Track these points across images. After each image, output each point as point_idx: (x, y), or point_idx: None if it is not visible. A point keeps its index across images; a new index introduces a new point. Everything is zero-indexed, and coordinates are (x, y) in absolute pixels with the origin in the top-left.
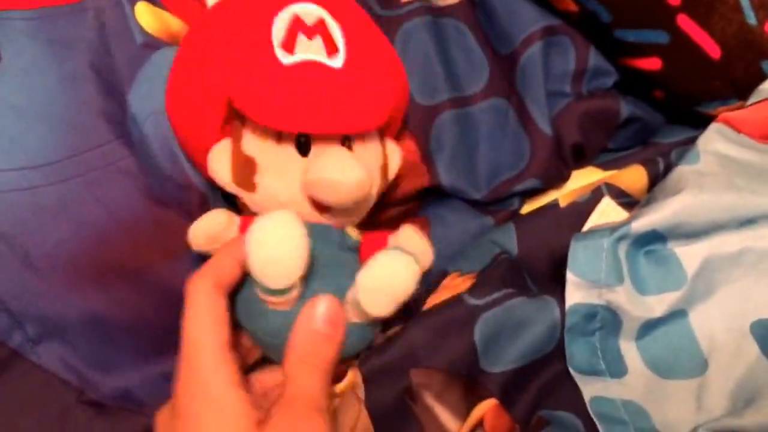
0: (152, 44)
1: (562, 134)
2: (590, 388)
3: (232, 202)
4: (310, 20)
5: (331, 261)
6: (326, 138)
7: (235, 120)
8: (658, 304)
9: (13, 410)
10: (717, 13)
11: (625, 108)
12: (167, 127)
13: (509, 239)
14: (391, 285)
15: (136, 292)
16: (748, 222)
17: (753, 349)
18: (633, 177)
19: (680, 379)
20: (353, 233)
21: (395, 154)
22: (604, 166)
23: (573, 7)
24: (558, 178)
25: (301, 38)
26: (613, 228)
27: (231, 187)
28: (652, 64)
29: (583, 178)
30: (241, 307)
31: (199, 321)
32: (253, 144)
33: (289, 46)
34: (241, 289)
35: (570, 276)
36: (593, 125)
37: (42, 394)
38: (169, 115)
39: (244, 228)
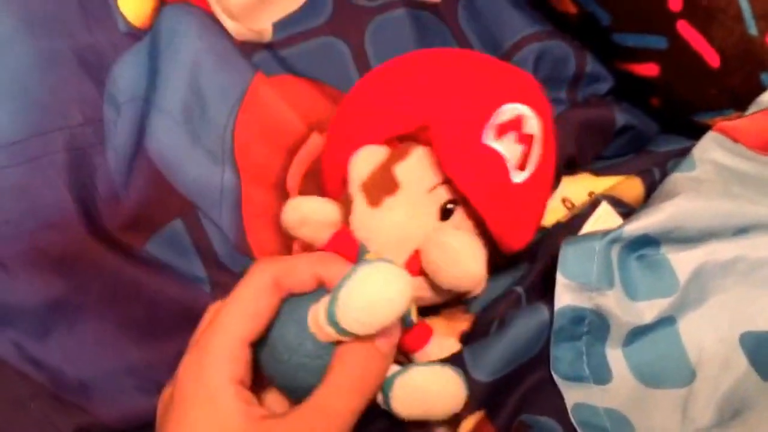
0: (135, 34)
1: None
2: (573, 394)
3: None
4: (527, 128)
5: None
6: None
7: (407, 139)
8: (648, 310)
9: None
10: (717, 21)
11: (621, 116)
12: (142, 115)
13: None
14: (427, 404)
15: (96, 281)
16: (743, 230)
17: (742, 361)
18: (629, 188)
19: (666, 388)
20: (414, 314)
21: None
22: (597, 172)
23: (572, 9)
24: None
25: (510, 135)
26: (605, 232)
27: (354, 187)
28: (649, 69)
29: (576, 184)
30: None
31: (232, 307)
32: (409, 172)
33: (500, 133)
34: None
35: (560, 278)
36: (589, 136)
37: None
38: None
39: (336, 238)
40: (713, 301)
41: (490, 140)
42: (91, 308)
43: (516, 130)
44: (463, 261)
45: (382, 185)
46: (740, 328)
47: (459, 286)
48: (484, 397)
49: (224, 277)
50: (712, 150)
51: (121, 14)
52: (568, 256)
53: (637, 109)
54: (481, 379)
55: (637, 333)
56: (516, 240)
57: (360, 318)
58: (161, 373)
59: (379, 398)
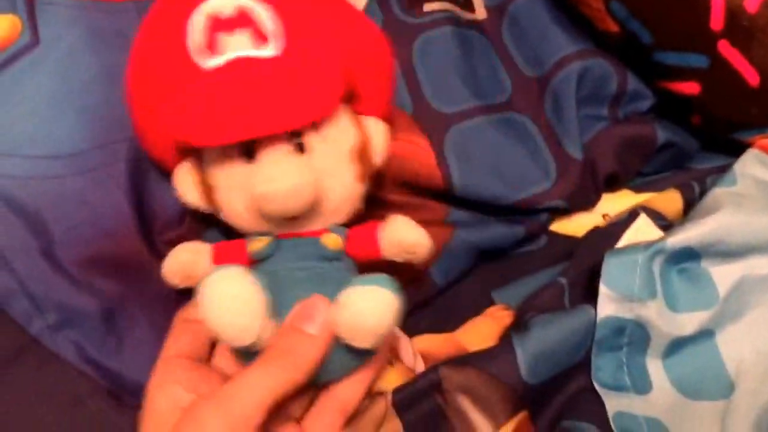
0: None
1: (596, 161)
2: (614, 403)
3: None
4: (227, 13)
5: (314, 277)
6: (273, 141)
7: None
8: (689, 322)
9: (28, 397)
10: (757, 41)
11: (661, 134)
12: None
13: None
14: (369, 324)
15: (147, 289)
16: None
17: None
18: (668, 201)
19: (706, 400)
20: (331, 241)
21: (379, 133)
22: (638, 189)
23: (614, 28)
24: (585, 202)
25: (222, 36)
26: (648, 244)
27: (203, 207)
28: (690, 88)
29: (616, 201)
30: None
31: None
32: (210, 163)
33: (209, 49)
34: None
35: (603, 289)
36: (630, 152)
37: (57, 382)
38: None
39: (216, 259)
40: (752, 315)
41: (205, 62)
42: (145, 315)
43: (221, 30)
44: (261, 184)
45: (207, 192)
46: None
47: (281, 208)
48: (529, 398)
49: None
50: (752, 166)
51: None
52: (612, 267)
53: (677, 126)
54: (528, 381)
55: (677, 345)
56: (309, 110)
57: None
58: None
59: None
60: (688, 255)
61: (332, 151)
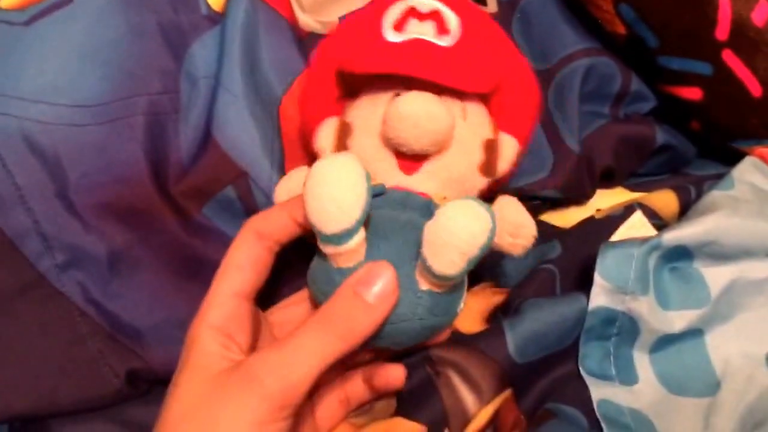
0: (214, 18)
1: (593, 154)
2: (599, 391)
3: None
4: (425, 9)
5: (406, 225)
6: (420, 90)
7: (346, 99)
8: (678, 320)
9: (30, 331)
10: (762, 54)
11: (660, 135)
12: (213, 93)
13: (553, 254)
14: (458, 238)
15: (156, 238)
16: None
17: (766, 378)
18: (664, 200)
19: (691, 397)
20: (440, 201)
21: (511, 147)
22: (633, 188)
23: (621, 30)
24: (580, 195)
25: (413, 21)
26: (644, 239)
27: (330, 150)
28: (692, 93)
29: (610, 197)
30: (310, 275)
31: (222, 265)
32: (354, 111)
33: (399, 27)
34: (313, 257)
35: (597, 278)
36: (627, 150)
37: (59, 320)
38: (300, 96)
39: None
40: (741, 318)
41: (392, 36)
42: (149, 262)
43: (413, 17)
44: (401, 104)
45: (341, 136)
46: (766, 347)
47: (411, 131)
48: (515, 378)
49: None
50: (750, 173)
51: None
52: (608, 258)
53: (676, 131)
54: (515, 359)
55: (665, 341)
56: (470, 79)
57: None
58: None
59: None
60: (681, 254)
61: (469, 131)
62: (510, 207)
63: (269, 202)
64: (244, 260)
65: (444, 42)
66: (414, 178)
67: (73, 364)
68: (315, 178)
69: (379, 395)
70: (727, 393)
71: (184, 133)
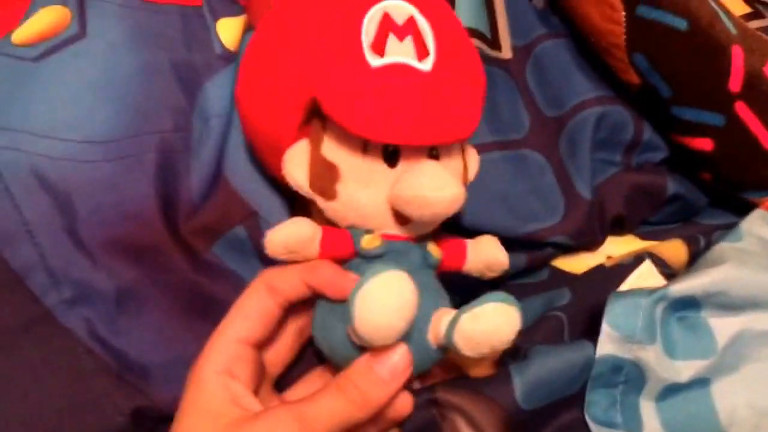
0: (228, 57)
1: (605, 202)
2: None
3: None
4: (401, 19)
5: (418, 286)
6: (414, 149)
7: (315, 120)
8: (685, 370)
9: (34, 367)
10: None
11: (672, 185)
12: (224, 131)
13: (562, 301)
14: (493, 337)
15: (165, 275)
16: None
17: None
18: (674, 250)
19: None
20: (434, 251)
21: (473, 159)
22: (644, 237)
23: (635, 80)
24: (590, 242)
25: (392, 39)
26: (652, 290)
27: (307, 192)
28: (704, 144)
29: (621, 245)
30: (322, 331)
31: (230, 311)
32: (335, 149)
33: (378, 47)
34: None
35: (605, 327)
36: (639, 198)
37: (64, 356)
38: (241, 109)
39: (325, 244)
40: (748, 369)
41: (375, 60)
42: (157, 300)
43: (391, 31)
44: (426, 189)
45: (326, 178)
46: None
47: (434, 214)
48: (519, 425)
49: None
50: (759, 226)
51: (219, 38)
52: (616, 308)
53: (688, 180)
54: (522, 406)
55: (672, 390)
56: (460, 129)
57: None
58: None
59: (440, 339)
60: (689, 303)
61: (452, 167)
62: (490, 244)
63: None
64: (253, 310)
65: (425, 66)
66: (405, 226)
67: (77, 402)
68: (369, 301)
69: (383, 429)
70: None
71: (195, 171)
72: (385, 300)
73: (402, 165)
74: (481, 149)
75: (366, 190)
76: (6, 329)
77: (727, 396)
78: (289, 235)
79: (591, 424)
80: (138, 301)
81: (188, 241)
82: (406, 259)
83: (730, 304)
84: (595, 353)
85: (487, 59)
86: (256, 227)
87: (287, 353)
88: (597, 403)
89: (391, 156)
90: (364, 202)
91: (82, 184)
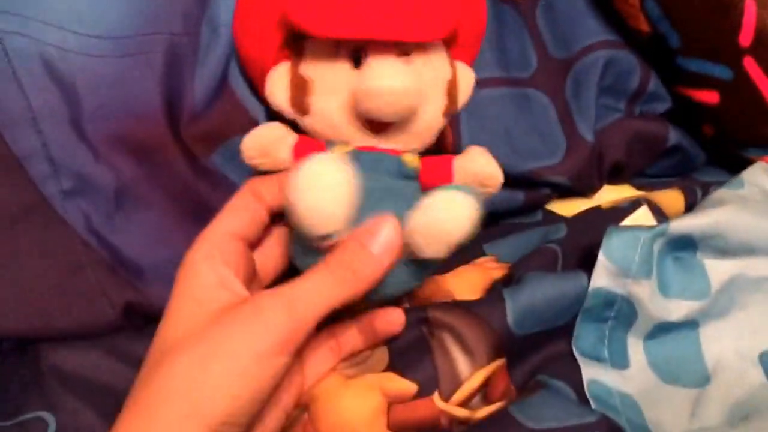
0: None
1: (605, 148)
2: (590, 371)
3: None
4: None
5: (387, 192)
6: (383, 52)
7: (296, 43)
8: (676, 309)
9: (29, 252)
10: None
11: (673, 135)
12: (231, 41)
13: (558, 235)
14: (447, 229)
15: (164, 176)
16: None
17: (758, 376)
18: (671, 199)
19: (680, 386)
20: (411, 160)
21: (467, 77)
22: (640, 188)
23: (645, 27)
24: (588, 186)
25: None
26: (651, 226)
27: (287, 110)
28: (710, 97)
29: (617, 193)
30: (295, 248)
31: (220, 212)
32: (310, 65)
33: None
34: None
35: (601, 258)
36: (639, 146)
37: (60, 247)
38: (234, 35)
39: (297, 150)
40: (738, 315)
41: None
42: (155, 199)
43: None
44: (375, 79)
45: (300, 93)
46: (761, 346)
47: (387, 107)
48: (510, 348)
49: None
50: (760, 177)
51: None
52: (614, 240)
53: (689, 134)
54: (513, 331)
55: (661, 329)
56: (428, 28)
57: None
58: None
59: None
60: (686, 244)
61: (432, 77)
62: (482, 159)
63: None
64: (242, 209)
65: None
66: (381, 137)
67: (69, 290)
68: (306, 182)
69: (372, 344)
70: (717, 387)
71: (200, 78)
72: (314, 181)
73: (368, 63)
74: (487, 83)
75: (334, 98)
76: (3, 211)
77: (715, 341)
78: (261, 135)
79: (578, 357)
80: (136, 200)
81: (189, 146)
82: (380, 168)
83: (726, 248)
84: (588, 285)
85: None
86: None
87: (277, 260)
88: (585, 337)
89: (357, 59)
90: (333, 111)
91: (91, 78)
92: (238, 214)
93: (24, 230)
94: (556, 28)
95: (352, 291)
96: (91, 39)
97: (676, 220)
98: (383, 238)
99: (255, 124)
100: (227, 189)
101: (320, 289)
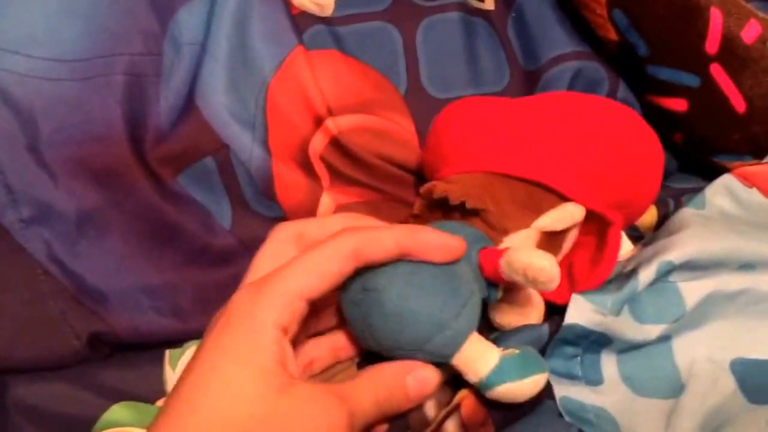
0: None
1: None
2: (563, 389)
3: None
4: None
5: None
6: None
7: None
8: (651, 332)
9: None
10: (750, 70)
11: None
12: (198, 60)
13: None
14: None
15: (129, 201)
16: (749, 266)
17: (730, 384)
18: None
19: (654, 398)
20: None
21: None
22: None
23: (613, 36)
24: None
25: None
26: (619, 285)
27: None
28: (678, 105)
29: None
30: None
31: (303, 261)
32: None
33: None
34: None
35: (575, 296)
36: None
37: (21, 277)
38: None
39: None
40: (711, 326)
41: None
42: (119, 225)
43: None
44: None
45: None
46: (733, 353)
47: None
48: None
49: (248, 219)
50: (721, 197)
51: None
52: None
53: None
54: None
55: (634, 345)
56: None
57: None
58: (176, 297)
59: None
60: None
61: None
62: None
63: (249, 175)
64: (331, 274)
65: None
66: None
67: (32, 322)
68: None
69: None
70: (691, 396)
71: (164, 98)
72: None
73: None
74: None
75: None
76: None
77: (687, 349)
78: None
79: (550, 376)
80: (99, 226)
81: (154, 168)
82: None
83: (698, 267)
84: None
85: (470, 10)
86: (226, 160)
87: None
88: (557, 356)
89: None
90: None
91: (47, 102)
92: (317, 275)
93: None
94: (524, 38)
95: (381, 411)
96: (48, 62)
97: (644, 269)
98: (421, 380)
99: (225, 147)
100: (195, 211)
101: (366, 399)
